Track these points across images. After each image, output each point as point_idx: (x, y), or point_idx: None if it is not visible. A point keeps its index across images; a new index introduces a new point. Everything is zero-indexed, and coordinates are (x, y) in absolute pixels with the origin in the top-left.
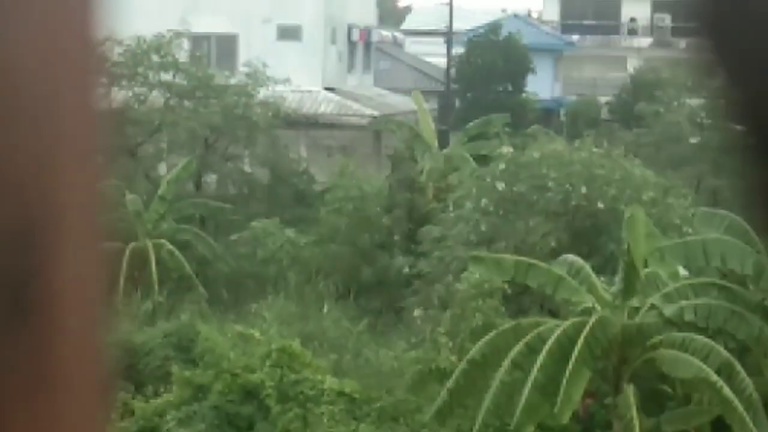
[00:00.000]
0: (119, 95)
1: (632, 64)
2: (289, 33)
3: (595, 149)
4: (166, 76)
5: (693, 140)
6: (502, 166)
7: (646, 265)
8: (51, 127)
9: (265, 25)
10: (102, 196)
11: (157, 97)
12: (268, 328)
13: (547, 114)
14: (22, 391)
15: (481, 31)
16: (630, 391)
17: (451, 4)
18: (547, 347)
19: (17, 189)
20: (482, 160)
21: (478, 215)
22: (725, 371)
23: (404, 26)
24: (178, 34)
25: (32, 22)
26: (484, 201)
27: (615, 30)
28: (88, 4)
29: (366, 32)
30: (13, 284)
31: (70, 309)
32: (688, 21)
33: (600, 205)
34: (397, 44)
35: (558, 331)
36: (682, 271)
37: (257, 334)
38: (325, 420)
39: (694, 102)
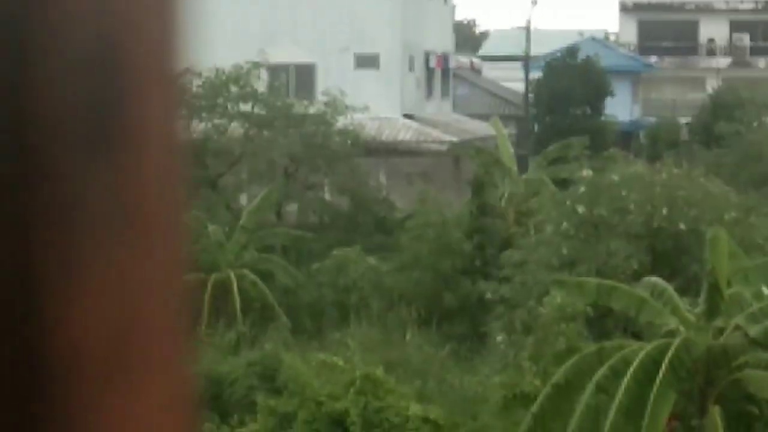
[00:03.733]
0: (199, 127)
1: (711, 85)
2: (366, 61)
3: (675, 170)
4: (245, 107)
5: None
6: (582, 189)
7: (729, 286)
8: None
9: (342, 54)
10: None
11: (236, 128)
12: (352, 356)
13: (626, 137)
14: (100, 220)
15: (559, 54)
16: (716, 412)
17: (528, 29)
18: (631, 370)
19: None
20: (562, 183)
21: (559, 239)
22: None
23: (481, 52)
24: (257, 65)
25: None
26: (564, 225)
27: (693, 51)
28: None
29: (443, 59)
30: (97, 109)
31: (151, 143)
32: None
33: (681, 226)
34: (475, 70)
35: (642, 354)
36: (766, 291)
37: (341, 362)
38: None
39: None
